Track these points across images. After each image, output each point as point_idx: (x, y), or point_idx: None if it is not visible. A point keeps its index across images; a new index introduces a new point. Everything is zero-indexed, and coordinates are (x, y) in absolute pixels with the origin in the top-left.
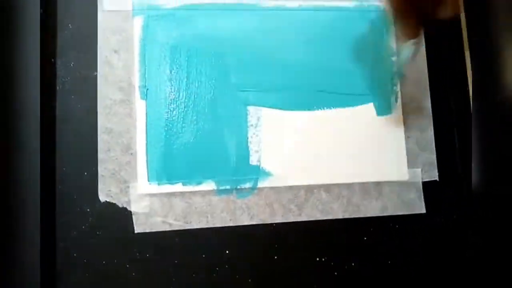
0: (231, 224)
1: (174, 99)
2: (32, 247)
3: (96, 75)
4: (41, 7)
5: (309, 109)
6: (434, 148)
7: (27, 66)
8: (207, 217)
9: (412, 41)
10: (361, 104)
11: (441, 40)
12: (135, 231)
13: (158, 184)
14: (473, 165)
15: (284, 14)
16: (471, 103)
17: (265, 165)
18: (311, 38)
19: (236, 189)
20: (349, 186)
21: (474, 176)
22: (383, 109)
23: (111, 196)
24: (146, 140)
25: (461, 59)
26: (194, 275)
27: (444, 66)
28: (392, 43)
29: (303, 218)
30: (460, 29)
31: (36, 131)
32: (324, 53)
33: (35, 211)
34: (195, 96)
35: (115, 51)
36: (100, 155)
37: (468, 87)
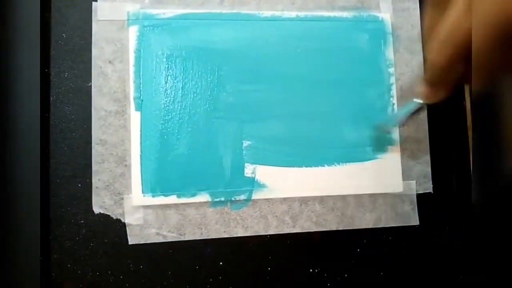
0: (225, 235)
1: (169, 110)
2: (23, 258)
3: (91, 85)
4: None
5: (305, 119)
6: (429, 161)
7: (25, 76)
8: (201, 229)
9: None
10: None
11: None
12: (129, 243)
13: (152, 196)
14: (472, 176)
15: (281, 25)
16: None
17: (260, 177)
18: (308, 48)
19: (231, 201)
20: (343, 198)
21: (474, 188)
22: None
23: (105, 208)
24: (141, 152)
25: None
26: (187, 287)
27: None
28: (390, 54)
29: (297, 229)
30: None
31: (36, 141)
32: (321, 64)
33: (35, 223)
34: (190, 108)
35: (110, 62)
36: (94, 167)
37: (464, 99)
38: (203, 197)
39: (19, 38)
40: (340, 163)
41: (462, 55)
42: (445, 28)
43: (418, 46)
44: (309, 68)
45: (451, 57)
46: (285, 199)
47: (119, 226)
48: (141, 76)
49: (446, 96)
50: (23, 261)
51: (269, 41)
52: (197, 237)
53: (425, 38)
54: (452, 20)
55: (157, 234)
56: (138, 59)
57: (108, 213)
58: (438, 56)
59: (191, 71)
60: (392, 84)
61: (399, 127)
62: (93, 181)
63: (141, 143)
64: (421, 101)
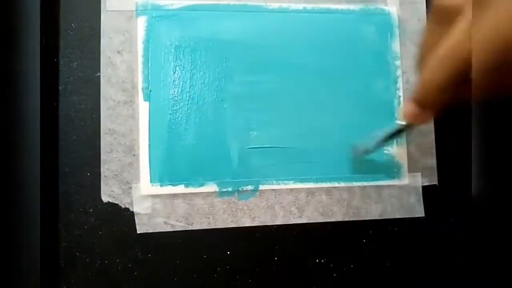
0: (232, 225)
1: (177, 100)
2: (32, 246)
3: (99, 75)
4: (44, 7)
5: (311, 111)
6: (435, 153)
7: (27, 66)
8: (209, 218)
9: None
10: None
11: None
12: (138, 232)
13: (161, 186)
14: (473, 170)
15: (288, 16)
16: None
17: (267, 168)
18: (315, 41)
19: (238, 191)
20: (349, 189)
21: (474, 182)
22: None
23: (114, 197)
24: (149, 142)
25: None
26: (195, 275)
27: None
28: (396, 47)
29: (304, 220)
30: None
31: (36, 131)
32: (327, 56)
33: (35, 211)
34: (198, 98)
35: (118, 52)
36: (103, 156)
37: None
38: (211, 187)
39: (23, 28)
40: (346, 154)
41: (460, 75)
42: (446, 46)
43: None
44: (316, 60)
45: (449, 75)
46: (292, 189)
47: (128, 215)
48: (149, 66)
49: (432, 118)
50: (26, 250)
51: (276, 33)
52: (205, 226)
53: (423, 55)
54: (454, 38)
55: (165, 223)
56: (146, 49)
57: (116, 202)
58: (435, 74)
59: (199, 62)
60: (398, 77)
61: (375, 151)
62: (101, 170)
63: (149, 133)
64: (404, 123)
